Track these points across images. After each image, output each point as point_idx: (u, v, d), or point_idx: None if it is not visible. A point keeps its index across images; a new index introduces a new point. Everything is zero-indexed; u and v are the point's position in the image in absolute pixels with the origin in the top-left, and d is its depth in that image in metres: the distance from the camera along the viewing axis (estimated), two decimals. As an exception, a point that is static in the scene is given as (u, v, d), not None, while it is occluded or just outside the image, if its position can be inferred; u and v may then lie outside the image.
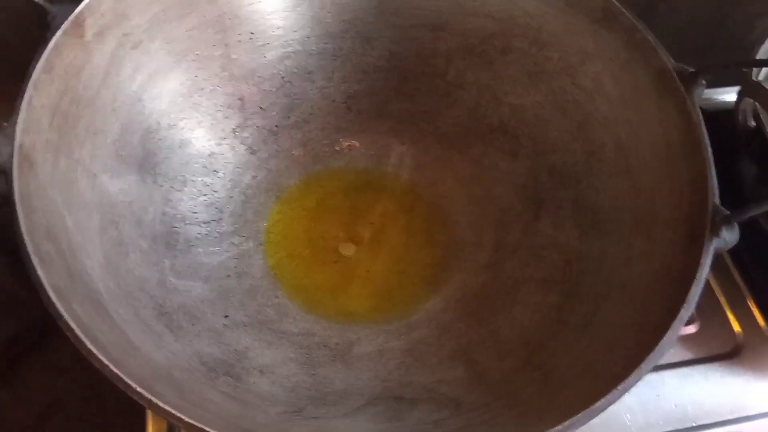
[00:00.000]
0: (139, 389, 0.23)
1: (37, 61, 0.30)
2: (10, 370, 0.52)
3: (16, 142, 0.28)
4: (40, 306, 0.53)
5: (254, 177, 0.41)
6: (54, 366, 0.55)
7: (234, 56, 0.40)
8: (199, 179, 0.39)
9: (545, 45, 0.39)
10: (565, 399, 0.27)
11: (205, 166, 0.40)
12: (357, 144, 0.44)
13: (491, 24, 0.40)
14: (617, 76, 0.36)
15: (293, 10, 0.41)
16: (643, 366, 0.25)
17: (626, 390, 0.25)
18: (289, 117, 0.42)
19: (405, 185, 0.43)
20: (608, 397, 0.25)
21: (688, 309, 0.28)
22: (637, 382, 0.25)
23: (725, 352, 0.39)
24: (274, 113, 0.42)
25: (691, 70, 0.33)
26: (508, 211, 0.39)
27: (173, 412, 0.22)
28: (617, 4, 0.35)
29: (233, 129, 0.41)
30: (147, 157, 0.36)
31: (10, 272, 0.54)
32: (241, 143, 0.41)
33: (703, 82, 0.32)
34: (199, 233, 0.38)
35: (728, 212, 0.29)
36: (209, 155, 0.40)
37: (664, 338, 0.26)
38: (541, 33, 0.38)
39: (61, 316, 0.24)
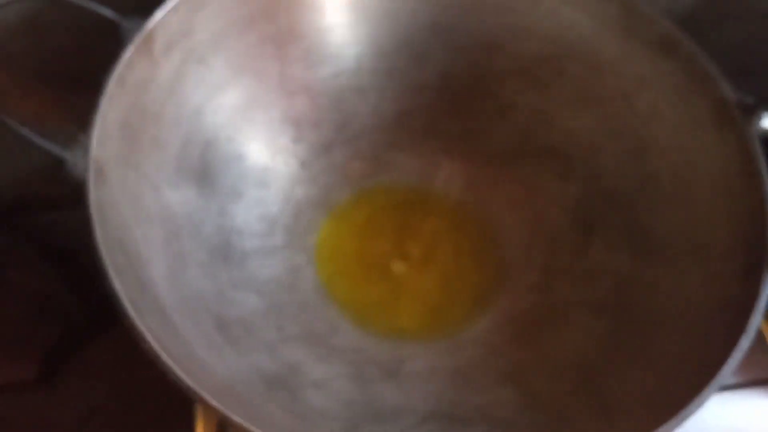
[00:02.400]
0: (214, 403, 0.23)
1: (110, 74, 0.31)
2: (51, 374, 0.53)
3: (91, 155, 0.29)
4: (82, 310, 0.54)
5: (306, 191, 0.42)
6: (94, 370, 0.55)
7: (290, 72, 0.41)
8: (253, 192, 0.40)
9: (600, 70, 0.39)
10: (624, 428, 0.27)
11: (259, 180, 0.40)
12: (407, 161, 0.44)
13: (546, 47, 0.40)
14: (674, 104, 0.36)
15: (349, 28, 0.41)
16: (703, 395, 0.25)
17: (685, 419, 0.25)
18: (340, 133, 0.43)
19: (454, 204, 0.43)
20: (666, 425, 0.25)
21: (748, 339, 0.28)
22: (696, 411, 0.25)
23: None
24: (327, 129, 0.43)
25: (752, 101, 0.33)
26: (559, 233, 0.40)
27: (250, 427, 0.22)
28: (677, 31, 0.35)
29: (286, 143, 0.42)
30: (205, 170, 0.37)
31: (54, 276, 0.55)
32: (294, 158, 0.42)
33: (764, 113, 0.32)
34: (253, 246, 0.38)
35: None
36: (263, 169, 0.40)
37: (725, 367, 0.26)
38: (596, 58, 0.39)
39: (137, 330, 0.24)
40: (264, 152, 0.41)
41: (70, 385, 0.55)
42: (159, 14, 0.32)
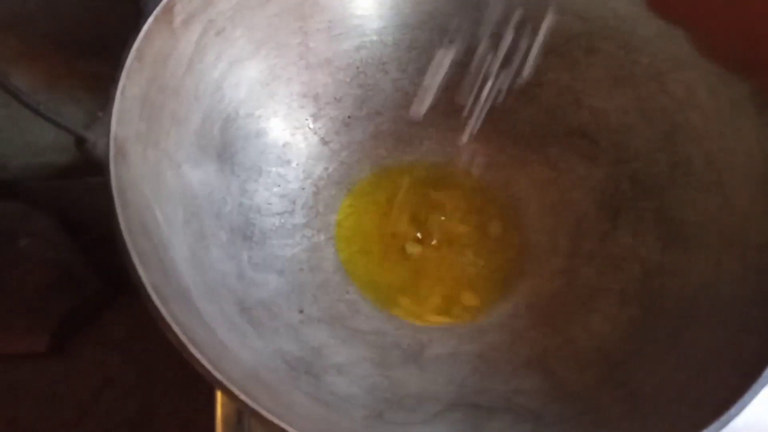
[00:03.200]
0: (242, 397, 0.23)
1: (129, 48, 0.30)
2: (66, 345, 0.53)
3: (112, 134, 0.28)
4: (97, 281, 0.54)
5: (326, 168, 0.41)
6: (108, 341, 0.55)
7: (311, 45, 0.39)
8: (274, 170, 0.39)
9: (634, 49, 0.37)
10: (659, 425, 0.26)
11: (279, 156, 0.39)
12: (429, 139, 0.43)
13: (578, 23, 0.39)
14: (713, 87, 0.34)
15: (373, -1, 0.40)
16: (747, 397, 0.25)
17: (727, 422, 0.25)
18: (361, 108, 0.42)
19: (477, 184, 0.42)
20: (710, 429, 0.24)
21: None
22: (739, 413, 0.25)
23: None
24: (348, 104, 0.41)
25: (797, 86, 0.31)
26: (585, 217, 0.39)
27: (278, 422, 0.22)
28: (719, 12, 0.34)
29: (307, 119, 0.40)
30: (225, 146, 0.36)
31: (67, 246, 0.54)
32: (314, 134, 0.41)
33: (809, 99, 0.31)
34: (273, 225, 0.37)
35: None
36: (283, 145, 0.39)
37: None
38: (631, 36, 0.37)
39: (162, 318, 0.24)
40: (284, 128, 0.39)
41: (84, 355, 0.55)
42: (180, -16, 0.31)
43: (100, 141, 0.27)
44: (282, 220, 0.38)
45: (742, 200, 0.32)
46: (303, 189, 0.40)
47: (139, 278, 0.24)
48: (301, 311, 0.35)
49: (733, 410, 0.24)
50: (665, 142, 0.36)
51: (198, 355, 0.23)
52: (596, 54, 0.39)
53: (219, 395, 0.35)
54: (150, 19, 0.31)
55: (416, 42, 0.41)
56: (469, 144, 0.42)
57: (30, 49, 0.47)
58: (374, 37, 0.41)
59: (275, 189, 0.38)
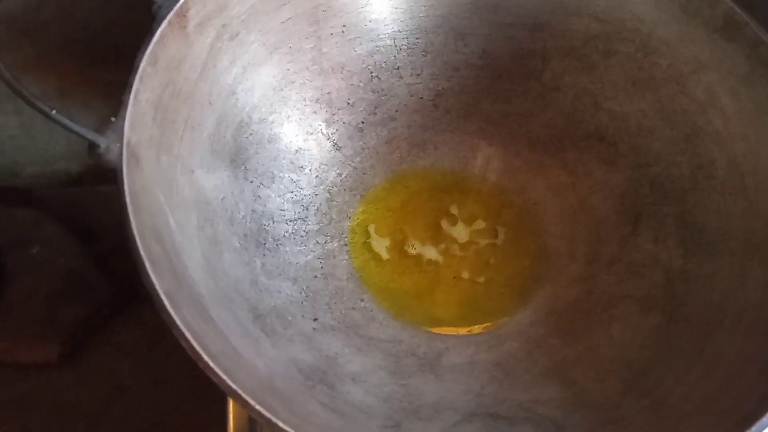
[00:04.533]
0: (258, 407, 0.22)
1: (143, 53, 0.29)
2: (76, 354, 0.52)
3: (125, 139, 0.27)
4: (109, 289, 0.53)
5: (339, 174, 0.40)
6: (119, 349, 0.55)
7: (325, 49, 0.39)
8: (287, 176, 0.38)
9: (654, 51, 0.37)
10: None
11: (292, 162, 0.39)
12: (443, 144, 0.42)
13: (595, 25, 0.38)
14: (735, 89, 0.34)
15: (387, 3, 0.40)
16: (776, 407, 0.24)
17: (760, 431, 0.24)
18: (375, 113, 0.41)
19: (492, 189, 0.41)
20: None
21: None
22: (768, 424, 0.24)
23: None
24: (361, 109, 0.41)
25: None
26: (604, 222, 0.38)
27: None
28: (741, 13, 0.33)
29: (320, 124, 0.40)
30: (239, 152, 0.36)
31: (79, 253, 0.54)
32: (327, 139, 0.40)
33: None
34: (286, 231, 0.37)
35: None
36: (296, 151, 0.39)
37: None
38: (650, 38, 0.37)
39: (176, 325, 0.23)
40: (297, 133, 0.39)
41: (95, 363, 0.54)
42: (194, -12, 0.31)
43: (113, 146, 0.27)
44: (295, 227, 0.38)
45: (767, 204, 0.32)
46: (316, 195, 0.39)
47: (152, 284, 0.24)
48: (315, 319, 0.34)
49: (765, 419, 0.24)
50: (686, 145, 0.36)
51: (212, 364, 0.22)
52: (614, 56, 0.38)
53: (231, 405, 0.34)
54: (164, 24, 0.31)
55: (431, 46, 0.41)
56: (485, 149, 0.42)
57: (44, 56, 0.47)
58: (388, 42, 0.40)
59: (288, 195, 0.38)
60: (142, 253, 0.24)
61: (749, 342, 0.28)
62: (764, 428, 0.24)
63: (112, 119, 0.28)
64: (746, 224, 0.32)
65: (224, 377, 0.22)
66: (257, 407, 0.22)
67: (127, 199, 0.26)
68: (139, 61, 0.29)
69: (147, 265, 0.24)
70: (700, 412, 0.27)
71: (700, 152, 0.35)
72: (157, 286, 0.24)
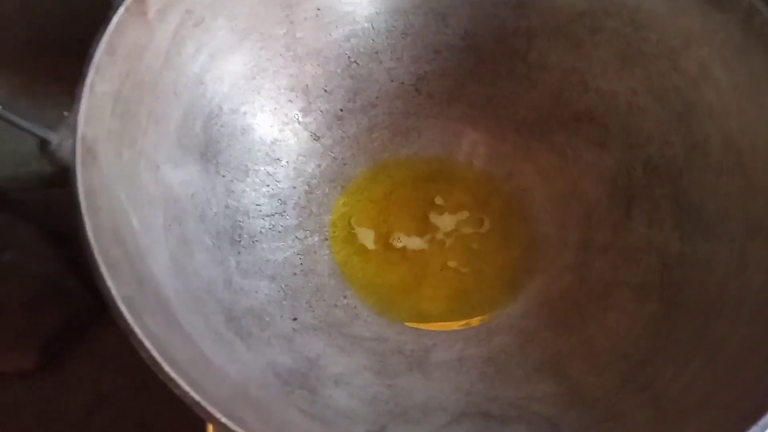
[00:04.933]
0: (224, 419, 0.20)
1: (98, 41, 0.28)
2: (56, 362, 0.51)
3: (79, 133, 0.25)
4: (88, 294, 0.51)
5: (318, 165, 0.39)
6: (101, 357, 0.53)
7: (299, 35, 0.37)
8: (262, 168, 0.36)
9: (643, 25, 0.35)
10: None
11: (267, 154, 0.37)
12: (427, 130, 0.40)
13: (581, 1, 0.36)
14: (729, 62, 0.32)
15: (363, -17, 0.38)
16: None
17: (766, 427, 0.22)
18: (354, 100, 0.39)
19: (479, 176, 0.39)
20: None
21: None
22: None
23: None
24: (339, 96, 0.39)
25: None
26: (596, 207, 0.36)
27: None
28: (734, -20, 0.31)
29: (296, 114, 0.38)
30: (209, 145, 0.34)
31: (55, 258, 0.52)
32: (305, 129, 0.38)
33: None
34: (263, 227, 0.35)
35: None
36: (272, 142, 0.37)
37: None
38: (638, 12, 0.35)
39: (133, 333, 0.21)
40: (272, 124, 0.37)
41: (75, 371, 0.53)
42: (151, -29, 0.29)
43: (66, 142, 0.25)
44: (272, 222, 0.36)
45: (766, 182, 0.30)
46: (294, 188, 0.37)
47: (107, 290, 0.22)
48: (294, 319, 0.32)
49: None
50: (680, 123, 0.34)
51: (173, 375, 0.21)
52: (602, 33, 0.36)
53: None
54: (121, 10, 0.29)
55: (411, 28, 0.39)
56: (470, 134, 0.40)
57: (4, 51, 0.45)
58: (366, 25, 0.38)
59: (264, 189, 0.36)
60: (97, 256, 0.23)
61: (752, 330, 0.27)
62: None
63: (65, 113, 0.26)
64: (745, 203, 0.30)
65: (186, 388, 0.21)
66: (223, 419, 0.20)
67: (81, 199, 0.24)
68: (94, 51, 0.27)
69: (102, 269, 0.22)
70: (702, 407, 0.25)
71: (694, 130, 0.33)
72: (113, 292, 0.22)
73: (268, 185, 0.36)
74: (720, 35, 0.32)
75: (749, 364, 0.25)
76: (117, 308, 0.22)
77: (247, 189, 0.35)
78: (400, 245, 0.37)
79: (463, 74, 0.39)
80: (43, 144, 0.25)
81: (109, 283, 0.22)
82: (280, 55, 0.37)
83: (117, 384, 0.52)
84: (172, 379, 0.21)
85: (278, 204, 0.36)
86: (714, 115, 0.33)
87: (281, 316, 0.32)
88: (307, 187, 0.38)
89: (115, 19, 0.28)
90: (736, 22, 0.31)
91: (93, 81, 0.27)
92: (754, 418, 0.22)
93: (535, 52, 0.38)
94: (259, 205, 0.36)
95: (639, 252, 0.34)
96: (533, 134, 0.39)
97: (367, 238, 0.37)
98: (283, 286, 0.34)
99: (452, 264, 0.37)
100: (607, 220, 0.36)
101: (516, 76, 0.39)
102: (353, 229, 0.38)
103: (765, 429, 0.22)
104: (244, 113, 0.36)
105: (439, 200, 0.39)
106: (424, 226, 0.38)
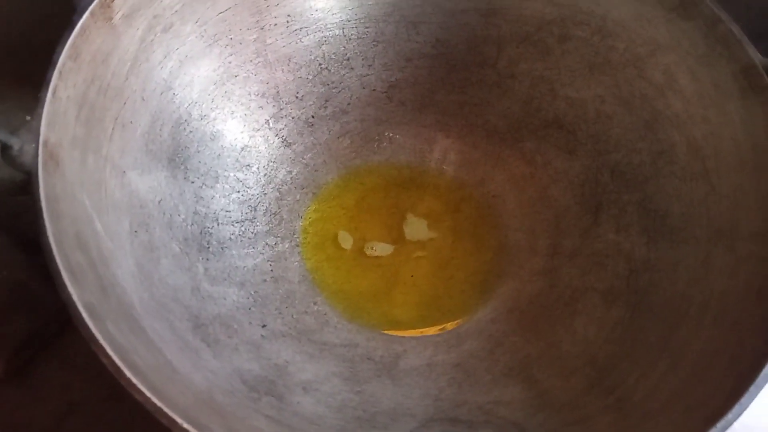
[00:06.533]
0: (185, 425, 0.20)
1: (62, 46, 0.27)
2: (25, 369, 0.50)
3: (41, 138, 0.25)
4: (58, 301, 0.51)
5: (289, 172, 0.38)
6: (71, 364, 0.52)
7: (269, 41, 0.37)
8: (232, 174, 0.36)
9: (610, 34, 0.35)
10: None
11: (237, 160, 0.37)
12: (398, 137, 0.41)
13: (550, 9, 0.37)
14: (694, 70, 0.32)
15: (334, -10, 0.38)
16: (744, 400, 0.23)
17: (725, 428, 0.22)
18: (326, 107, 0.39)
19: (450, 183, 0.40)
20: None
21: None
22: (737, 418, 0.22)
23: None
24: (311, 103, 0.39)
25: (782, 65, 0.29)
26: (565, 213, 0.36)
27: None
28: (697, -10, 0.32)
29: (267, 120, 0.38)
30: (177, 151, 0.34)
31: (24, 264, 0.51)
32: (276, 135, 0.38)
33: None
34: (232, 234, 0.35)
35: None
36: (242, 149, 0.37)
37: (765, 367, 0.24)
38: (605, 21, 0.35)
39: (95, 339, 0.21)
40: (243, 130, 0.37)
41: (44, 379, 0.52)
42: (117, -25, 0.28)
43: (28, 147, 0.25)
44: (242, 229, 0.35)
45: (730, 188, 0.30)
46: (265, 194, 0.37)
47: (68, 296, 0.22)
48: (263, 326, 0.32)
49: (730, 415, 0.22)
50: (646, 130, 0.34)
51: (135, 380, 0.20)
52: (570, 41, 0.37)
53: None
54: (85, 15, 0.28)
55: (382, 36, 0.39)
56: (442, 141, 0.40)
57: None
58: (337, 31, 0.38)
59: (234, 195, 0.36)
60: (58, 262, 0.22)
61: (716, 333, 0.27)
62: (731, 424, 0.22)
63: (27, 118, 0.25)
64: (709, 209, 0.31)
65: (148, 394, 0.20)
66: (185, 425, 0.20)
67: (43, 204, 0.24)
68: (58, 56, 0.27)
69: (63, 275, 0.22)
70: (666, 409, 0.25)
71: (660, 137, 0.34)
72: (74, 297, 0.22)
73: (239, 191, 0.36)
74: (684, 43, 0.33)
75: (712, 367, 0.26)
76: (78, 314, 0.22)
77: (217, 195, 0.35)
78: (370, 252, 0.37)
79: (434, 82, 0.40)
80: (5, 149, 0.25)
81: (71, 288, 0.22)
82: (251, 61, 0.37)
83: (88, 392, 0.51)
84: (133, 385, 0.20)
85: (248, 210, 0.36)
86: (679, 122, 0.33)
87: (250, 323, 0.32)
88: (278, 194, 0.38)
89: (79, 24, 0.28)
90: (699, 31, 0.32)
91: (56, 86, 0.26)
92: (715, 420, 0.22)
93: (504, 60, 0.38)
94: (229, 212, 0.35)
95: (607, 257, 0.34)
96: (504, 141, 0.39)
97: (337, 244, 0.37)
98: (253, 293, 0.33)
99: (423, 270, 0.37)
100: (576, 226, 0.36)
101: (486, 84, 0.39)
102: (324, 235, 0.37)
103: (725, 431, 0.22)
104: (214, 119, 0.36)
105: (410, 207, 0.39)
106: (395, 233, 0.38)
